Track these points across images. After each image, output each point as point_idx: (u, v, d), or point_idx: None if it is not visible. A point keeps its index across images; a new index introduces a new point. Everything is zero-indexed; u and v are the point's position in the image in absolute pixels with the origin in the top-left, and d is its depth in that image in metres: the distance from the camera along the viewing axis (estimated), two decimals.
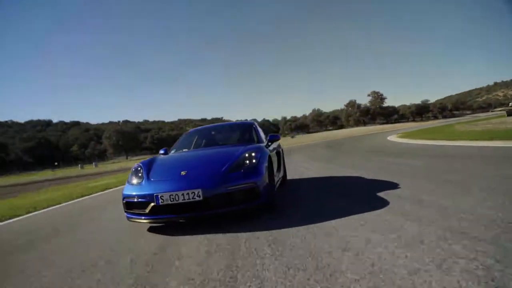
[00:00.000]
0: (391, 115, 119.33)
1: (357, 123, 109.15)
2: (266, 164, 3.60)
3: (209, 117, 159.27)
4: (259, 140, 4.74)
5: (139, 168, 3.78)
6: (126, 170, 24.00)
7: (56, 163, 67.18)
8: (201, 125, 6.48)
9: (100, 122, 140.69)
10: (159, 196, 3.17)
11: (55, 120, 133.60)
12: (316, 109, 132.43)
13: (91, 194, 8.56)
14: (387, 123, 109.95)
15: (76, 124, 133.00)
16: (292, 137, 78.50)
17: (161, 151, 4.82)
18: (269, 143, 4.80)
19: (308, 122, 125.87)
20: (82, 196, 8.23)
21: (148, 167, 3.76)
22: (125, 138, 77.77)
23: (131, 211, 3.44)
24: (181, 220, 3.47)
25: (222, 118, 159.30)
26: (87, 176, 22.77)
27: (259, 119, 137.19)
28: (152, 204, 3.21)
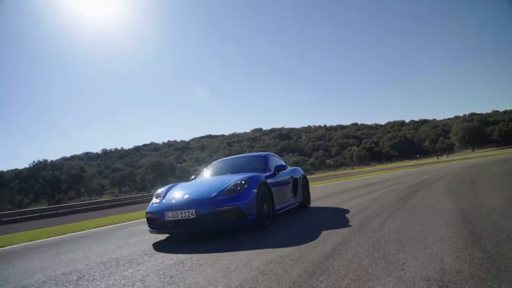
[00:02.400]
0: None
1: None
2: (254, 191, 4.32)
3: None
4: (266, 170, 5.46)
5: (160, 191, 4.79)
6: (462, 159, 40.73)
7: (418, 155, 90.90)
8: None
9: (446, 117, 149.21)
10: (165, 214, 4.16)
11: (407, 120, 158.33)
12: None
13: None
14: None
15: (425, 122, 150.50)
16: None
17: (192, 177, 6.01)
18: (276, 172, 5.51)
19: None
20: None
21: (167, 190, 4.77)
22: (470, 133, 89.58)
23: (150, 225, 4.44)
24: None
25: None
26: (441, 163, 41.79)
27: None
28: (162, 220, 4.20)
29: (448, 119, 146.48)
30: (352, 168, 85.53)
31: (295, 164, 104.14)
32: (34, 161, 63.04)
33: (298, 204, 6.17)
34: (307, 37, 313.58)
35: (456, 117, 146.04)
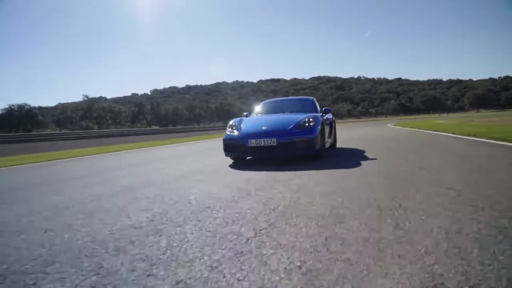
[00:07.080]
0: None
1: None
2: (319, 127, 5.19)
3: None
4: (316, 111, 6.35)
5: (233, 123, 5.64)
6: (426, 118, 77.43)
7: (431, 111, 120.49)
8: None
9: (482, 78, 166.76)
10: (248, 141, 4.97)
11: (445, 79, 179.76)
12: None
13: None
14: None
15: (460, 82, 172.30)
16: None
17: (244, 114, 6.69)
18: (323, 114, 6.39)
19: None
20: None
21: (239, 123, 5.62)
22: (476, 99, 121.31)
23: (228, 150, 5.35)
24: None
25: None
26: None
27: None
28: (244, 146, 5.03)
29: (484, 80, 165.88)
30: (386, 117, 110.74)
31: (348, 112, 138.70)
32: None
33: (330, 144, 6.77)
34: None
35: (490, 79, 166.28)
